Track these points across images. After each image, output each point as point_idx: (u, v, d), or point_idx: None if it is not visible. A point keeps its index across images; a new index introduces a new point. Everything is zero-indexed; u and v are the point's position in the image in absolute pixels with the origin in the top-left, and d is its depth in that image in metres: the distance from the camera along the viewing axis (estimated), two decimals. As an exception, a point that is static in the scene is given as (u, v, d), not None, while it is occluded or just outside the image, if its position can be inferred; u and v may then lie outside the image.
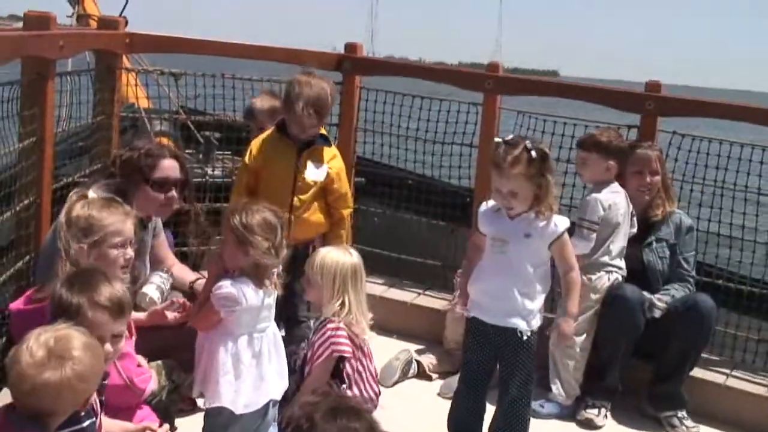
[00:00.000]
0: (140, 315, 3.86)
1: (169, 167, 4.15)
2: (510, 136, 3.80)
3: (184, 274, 4.34)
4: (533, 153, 3.66)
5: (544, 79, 5.79)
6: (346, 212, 4.75)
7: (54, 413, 2.49)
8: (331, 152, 4.67)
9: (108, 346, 2.88)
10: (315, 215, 4.60)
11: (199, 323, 3.52)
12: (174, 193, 4.16)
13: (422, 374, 5.09)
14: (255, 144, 4.61)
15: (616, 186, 4.82)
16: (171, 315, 3.86)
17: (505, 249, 3.79)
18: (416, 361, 5.11)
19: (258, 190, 4.55)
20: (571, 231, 4.03)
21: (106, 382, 3.04)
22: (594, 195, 4.77)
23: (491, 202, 3.90)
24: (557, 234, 3.76)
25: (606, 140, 4.82)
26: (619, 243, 4.78)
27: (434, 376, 5.08)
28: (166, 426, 3.35)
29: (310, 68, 4.65)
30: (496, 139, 3.86)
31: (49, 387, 2.44)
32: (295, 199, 4.51)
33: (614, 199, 4.76)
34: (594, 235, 4.69)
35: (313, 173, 4.55)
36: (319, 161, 4.58)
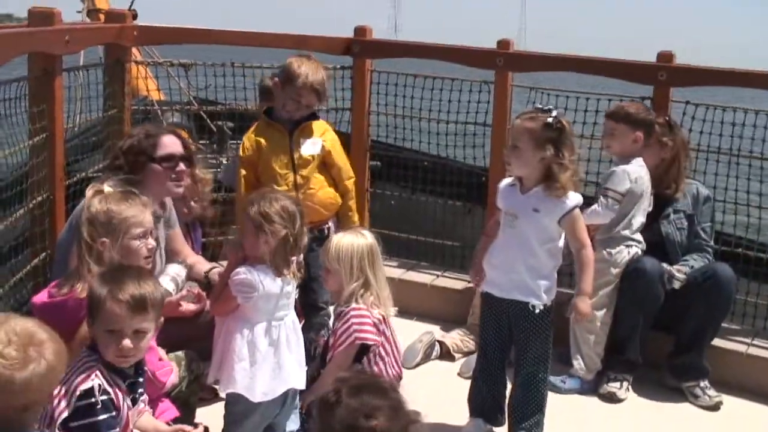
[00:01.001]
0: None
1: (172, 143, 4.12)
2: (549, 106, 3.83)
3: (200, 264, 4.35)
4: (551, 120, 3.67)
5: (555, 54, 5.72)
6: (350, 182, 4.78)
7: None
8: (321, 126, 4.72)
9: (127, 342, 2.89)
10: (322, 190, 4.63)
11: (217, 309, 3.56)
12: (182, 166, 4.13)
13: (445, 355, 5.10)
14: (246, 137, 4.68)
15: (641, 161, 4.77)
16: (185, 305, 3.87)
17: (515, 223, 3.80)
18: (439, 342, 5.12)
19: (260, 179, 4.57)
20: (587, 204, 4.01)
21: (141, 380, 3.07)
22: (622, 166, 4.73)
23: (510, 178, 3.91)
24: (566, 210, 3.74)
25: (635, 111, 4.79)
26: (639, 218, 4.75)
27: (458, 356, 5.08)
28: (202, 428, 3.36)
29: (306, 53, 4.74)
30: (537, 105, 3.89)
31: None
32: (297, 176, 4.54)
33: (640, 173, 4.73)
34: (617, 206, 4.67)
35: (308, 148, 4.60)
36: (310, 135, 4.63)
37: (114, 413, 2.85)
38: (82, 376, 2.82)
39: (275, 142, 4.57)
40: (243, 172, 4.61)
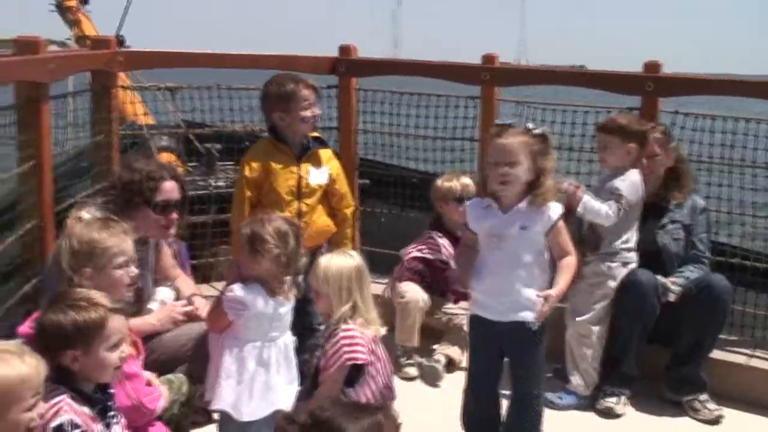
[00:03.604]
0: (150, 319, 3.93)
1: (171, 189, 4.12)
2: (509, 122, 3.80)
3: (185, 287, 4.32)
4: (540, 131, 3.66)
5: (541, 67, 5.75)
6: (349, 211, 4.81)
7: None
8: (327, 154, 4.71)
9: (125, 349, 2.92)
10: (321, 218, 4.64)
11: (211, 324, 3.64)
12: (175, 215, 4.14)
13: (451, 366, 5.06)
14: (252, 157, 4.58)
15: (638, 172, 4.70)
16: (180, 307, 3.99)
17: (501, 245, 3.68)
18: (444, 355, 5.08)
19: (262, 202, 4.53)
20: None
21: (111, 403, 2.99)
22: (637, 178, 4.66)
23: (477, 199, 3.83)
24: (553, 222, 3.67)
25: (627, 123, 4.72)
26: (636, 230, 4.74)
27: (463, 363, 4.93)
28: None
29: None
30: (496, 122, 3.86)
31: None
32: (302, 204, 4.53)
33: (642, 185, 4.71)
34: (622, 213, 4.59)
35: (316, 177, 4.58)
36: (319, 164, 4.61)
37: None
38: (51, 412, 2.74)
39: (283, 167, 4.52)
40: (248, 193, 4.53)
